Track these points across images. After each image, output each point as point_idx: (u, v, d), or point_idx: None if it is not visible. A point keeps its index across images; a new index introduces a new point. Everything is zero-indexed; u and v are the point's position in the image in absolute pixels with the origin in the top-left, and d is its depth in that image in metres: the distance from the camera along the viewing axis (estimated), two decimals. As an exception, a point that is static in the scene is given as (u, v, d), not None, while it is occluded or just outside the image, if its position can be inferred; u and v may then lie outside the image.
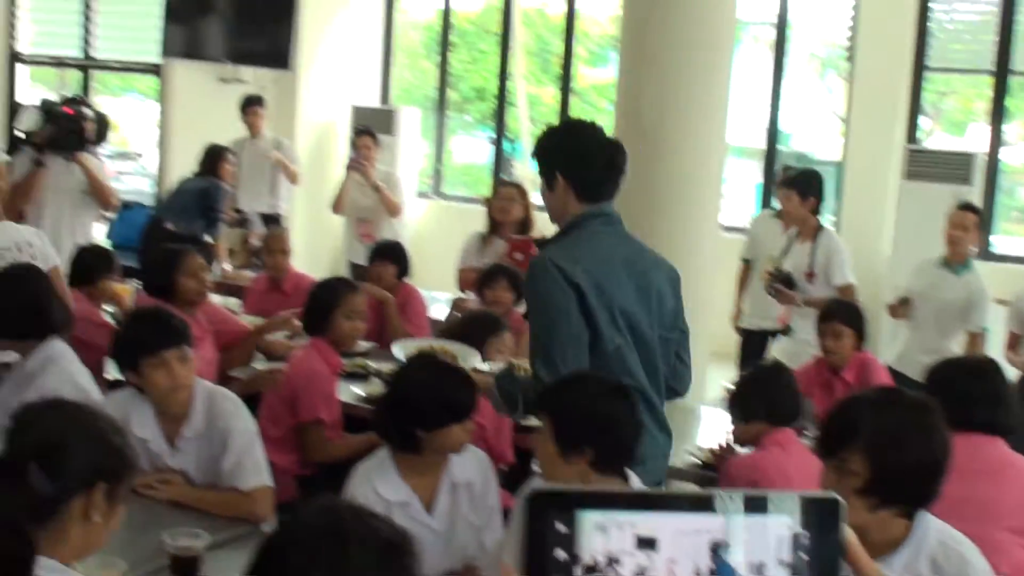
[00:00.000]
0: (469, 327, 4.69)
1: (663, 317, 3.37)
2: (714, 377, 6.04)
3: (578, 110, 10.43)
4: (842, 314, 4.95)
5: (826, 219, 6.79)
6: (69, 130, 6.24)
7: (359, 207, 7.85)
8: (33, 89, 11.48)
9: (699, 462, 4.18)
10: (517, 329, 4.83)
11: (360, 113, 10.28)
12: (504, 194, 6.37)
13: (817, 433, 2.83)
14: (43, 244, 4.86)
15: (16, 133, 6.55)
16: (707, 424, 4.89)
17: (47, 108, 6.39)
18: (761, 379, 4.01)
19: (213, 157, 7.64)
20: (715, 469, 4.02)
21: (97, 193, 6.40)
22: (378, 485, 3.20)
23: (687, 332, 3.52)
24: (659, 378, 3.37)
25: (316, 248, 9.78)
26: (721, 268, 6.09)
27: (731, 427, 3.99)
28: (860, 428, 2.37)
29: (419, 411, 3.18)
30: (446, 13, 10.77)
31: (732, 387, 4.10)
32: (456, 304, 5.92)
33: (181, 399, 3.43)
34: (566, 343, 3.15)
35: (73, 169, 6.33)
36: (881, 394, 2.61)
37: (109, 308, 5.28)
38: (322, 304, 4.63)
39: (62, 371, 3.74)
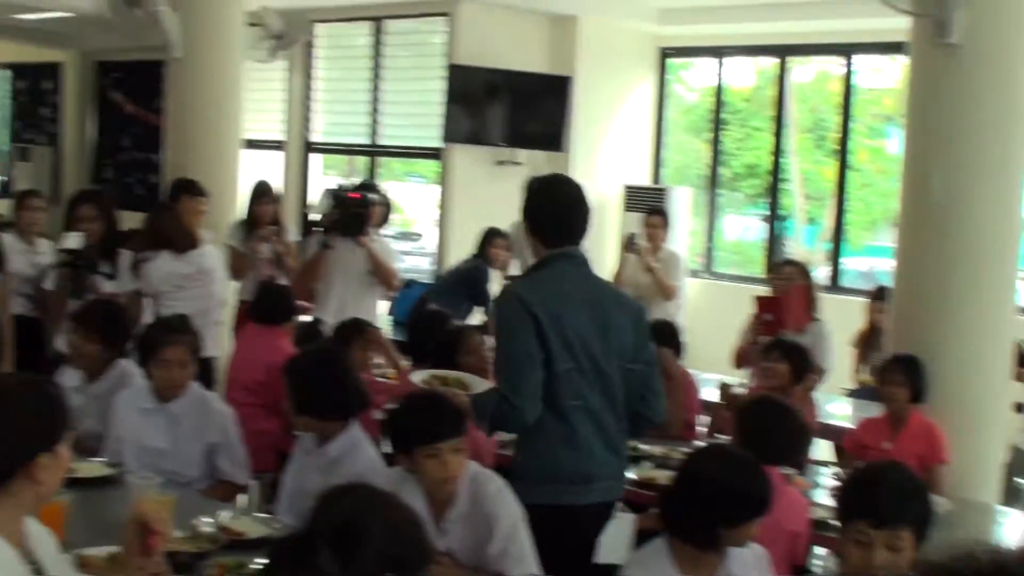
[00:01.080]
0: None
1: (623, 349, 3.70)
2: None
3: (856, 185, 10.03)
4: None
5: None
6: (354, 214, 6.39)
7: (638, 284, 7.75)
8: (325, 175, 12.09)
9: None
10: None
11: (632, 192, 10.25)
12: (786, 273, 6.13)
13: None
14: None
15: (310, 217, 6.83)
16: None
17: (335, 194, 6.62)
18: None
19: (484, 239, 7.74)
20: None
21: (380, 274, 6.53)
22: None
23: (653, 364, 3.87)
24: (616, 404, 3.70)
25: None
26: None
27: None
28: None
29: (722, 509, 3.00)
30: (719, 91, 10.64)
31: None
32: (723, 391, 5.68)
33: (450, 490, 3.38)
34: (523, 362, 3.55)
35: (358, 251, 6.50)
36: None
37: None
38: None
39: (367, 457, 3.80)
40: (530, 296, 3.63)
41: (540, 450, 3.65)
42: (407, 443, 3.37)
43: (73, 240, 5.92)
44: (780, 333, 5.99)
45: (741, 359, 6.50)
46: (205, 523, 3.42)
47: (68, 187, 14.36)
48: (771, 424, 3.91)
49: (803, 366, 5.15)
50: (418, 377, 4.24)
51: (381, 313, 7.07)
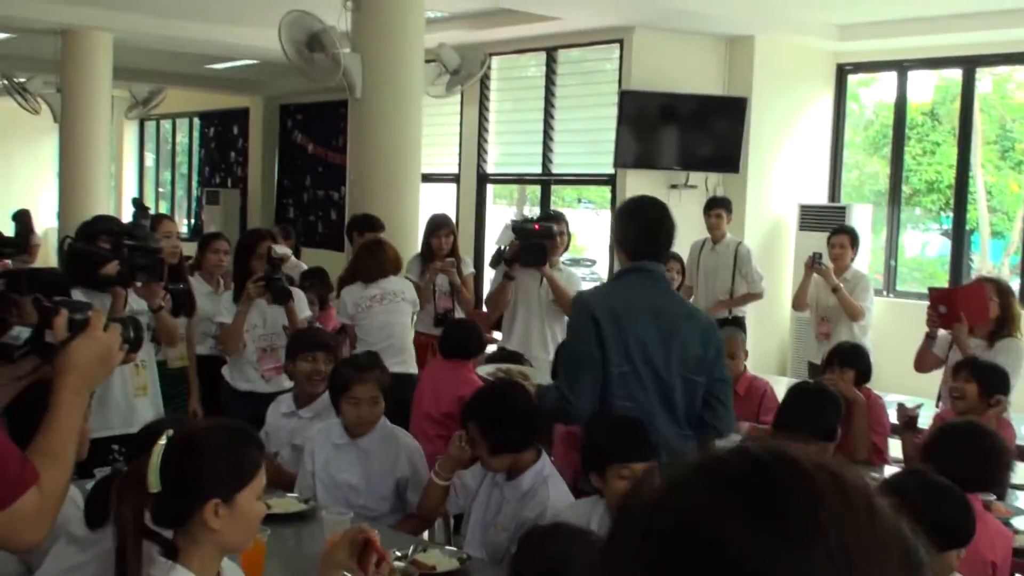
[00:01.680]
0: None
1: (686, 360, 3.87)
2: None
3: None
4: None
5: None
6: (534, 246, 6.43)
7: (822, 305, 7.52)
8: (495, 205, 12.19)
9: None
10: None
11: (807, 210, 10.00)
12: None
13: None
14: None
15: (498, 247, 6.95)
16: None
17: (518, 225, 6.70)
18: None
19: None
20: None
21: (562, 303, 6.51)
22: None
23: (723, 380, 4.00)
24: (675, 410, 3.89)
25: (764, 346, 9.53)
26: None
27: None
28: None
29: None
30: (900, 104, 10.30)
31: None
32: (899, 411, 5.46)
33: None
34: (580, 362, 3.86)
35: (541, 280, 6.55)
36: None
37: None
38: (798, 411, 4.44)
39: (558, 489, 3.77)
40: (596, 302, 3.94)
41: None
42: (601, 463, 3.34)
43: (282, 249, 6.30)
44: (955, 328, 5.74)
45: (919, 361, 6.23)
46: (396, 556, 3.45)
47: (254, 227, 14.91)
48: (964, 447, 3.74)
49: (993, 386, 4.88)
50: (484, 371, 4.25)
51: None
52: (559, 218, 7.04)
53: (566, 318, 6.52)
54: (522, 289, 6.59)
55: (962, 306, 5.82)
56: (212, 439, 2.39)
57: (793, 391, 4.65)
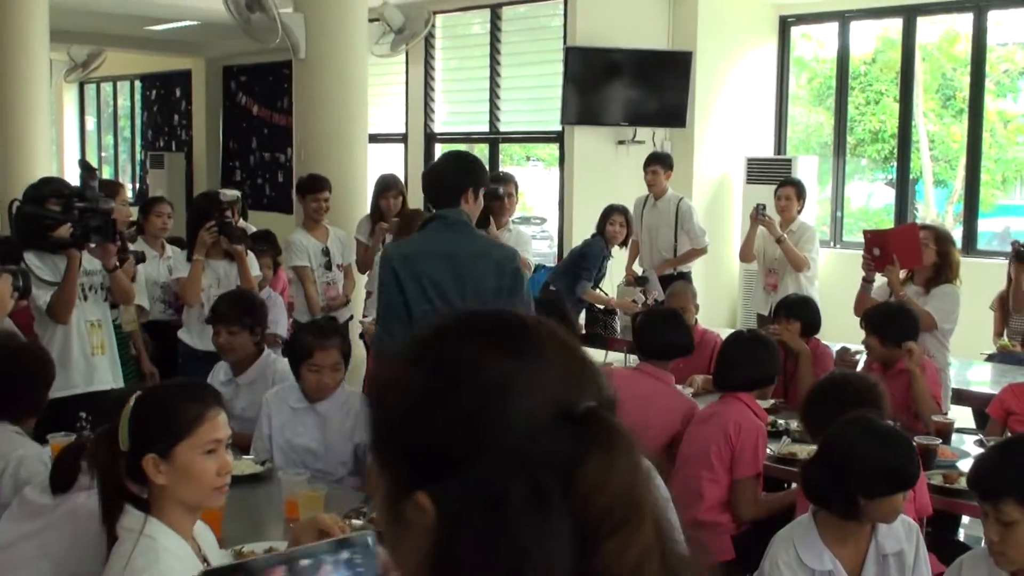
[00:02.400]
0: None
1: (482, 295, 4.26)
2: None
3: (987, 145, 9.69)
4: None
5: None
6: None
7: (768, 257, 7.60)
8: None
9: None
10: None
11: (754, 164, 10.08)
12: (921, 238, 5.93)
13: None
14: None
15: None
16: None
17: None
18: None
19: (602, 216, 7.72)
20: None
21: None
22: (801, 552, 3.00)
23: (527, 304, 4.57)
24: None
25: (714, 299, 9.62)
26: None
27: None
28: None
29: (865, 478, 2.94)
30: (842, 56, 10.38)
31: None
32: (839, 355, 5.58)
33: None
34: (388, 307, 4.34)
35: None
36: None
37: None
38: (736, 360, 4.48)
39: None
40: (392, 251, 4.51)
41: None
42: None
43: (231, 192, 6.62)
44: (888, 270, 5.82)
45: (859, 306, 6.31)
46: (354, 512, 3.48)
47: (200, 191, 14.77)
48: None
49: (897, 334, 4.92)
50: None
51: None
52: (507, 179, 7.08)
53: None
54: None
55: (894, 247, 5.87)
56: (154, 396, 2.48)
57: (730, 341, 4.72)
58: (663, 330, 4.82)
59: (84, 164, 5.70)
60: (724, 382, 4.47)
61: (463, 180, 4.38)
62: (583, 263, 7.53)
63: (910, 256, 5.86)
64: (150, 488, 2.41)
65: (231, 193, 7.11)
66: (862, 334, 6.27)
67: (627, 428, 0.99)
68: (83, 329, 5.01)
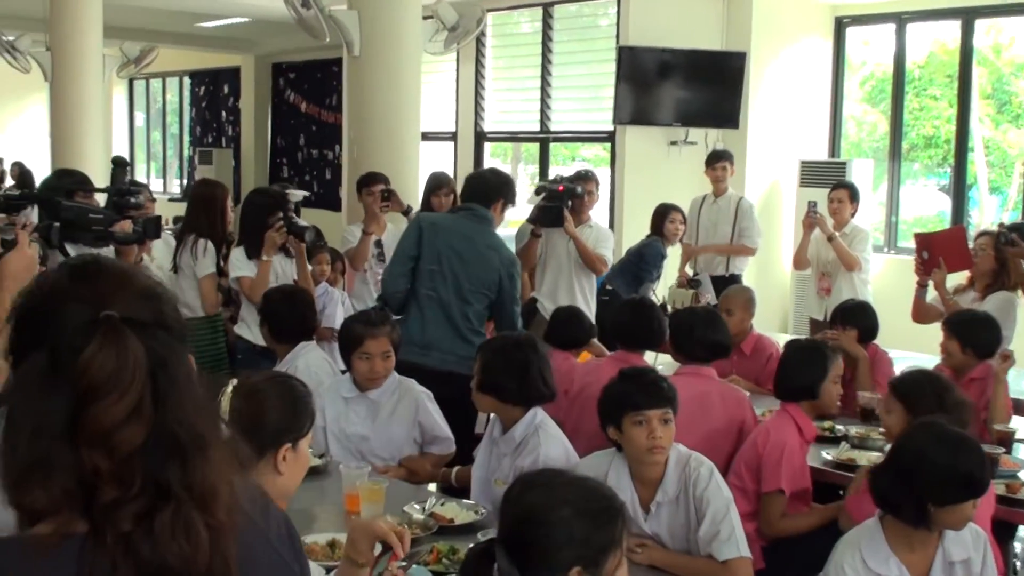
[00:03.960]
0: None
1: (481, 276, 5.27)
2: None
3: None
4: None
5: None
6: (549, 208, 6.69)
7: (821, 260, 7.57)
8: (491, 162, 12.20)
9: None
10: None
11: (808, 166, 10.03)
12: (979, 243, 5.89)
13: None
14: None
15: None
16: None
17: (543, 186, 6.93)
18: None
19: (657, 215, 7.74)
20: None
21: (585, 261, 6.86)
22: (867, 557, 2.98)
23: (515, 300, 5.36)
24: (466, 305, 5.27)
25: (765, 304, 9.58)
26: None
27: None
28: None
29: (935, 485, 2.92)
30: (898, 58, 10.30)
31: None
32: None
33: (657, 462, 3.38)
34: (399, 256, 5.36)
35: (566, 239, 6.84)
36: None
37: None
38: (812, 370, 4.28)
39: (551, 437, 3.81)
40: (425, 217, 5.61)
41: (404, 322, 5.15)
42: (618, 413, 3.39)
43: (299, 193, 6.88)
44: (933, 273, 5.77)
45: (916, 311, 6.26)
46: (416, 510, 3.51)
47: (247, 188, 14.89)
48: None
49: (973, 339, 4.86)
50: None
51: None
52: (588, 177, 7.22)
53: (594, 275, 6.99)
54: (550, 244, 6.97)
55: (940, 251, 5.82)
56: (278, 390, 2.58)
57: (789, 349, 4.60)
58: (700, 330, 4.69)
59: (118, 160, 5.80)
60: (781, 391, 4.40)
61: (500, 190, 5.38)
62: (643, 264, 7.54)
63: (957, 259, 5.81)
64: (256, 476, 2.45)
65: (298, 193, 7.21)
66: (917, 339, 6.24)
67: (141, 323, 1.35)
68: None
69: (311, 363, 4.82)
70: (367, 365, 4.34)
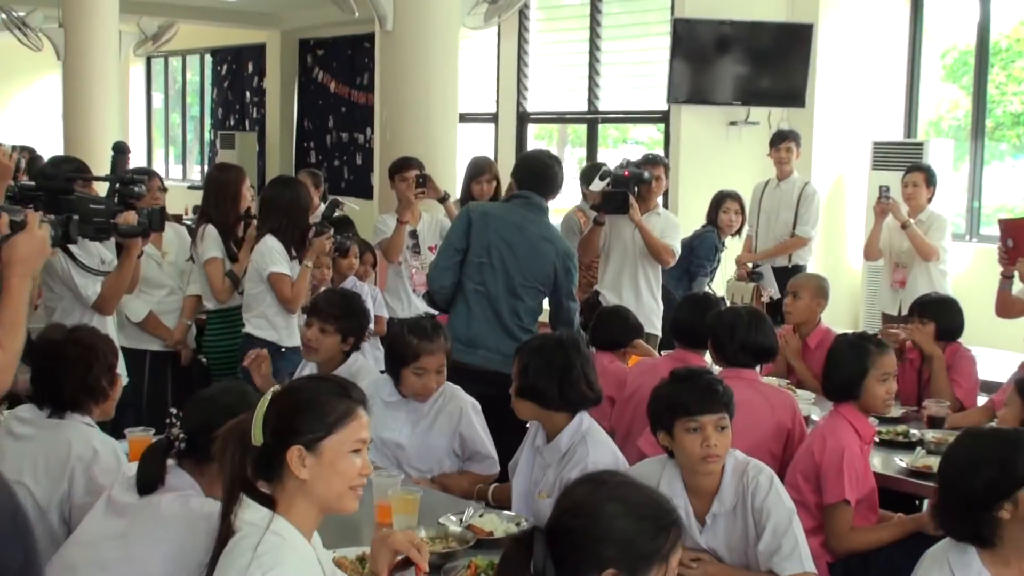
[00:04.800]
0: None
1: (533, 270, 5.43)
2: None
3: None
4: None
5: None
6: (612, 194, 6.75)
7: (895, 250, 7.51)
8: (534, 144, 12.20)
9: None
10: None
11: (882, 148, 9.95)
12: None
13: None
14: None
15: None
16: None
17: (608, 171, 6.99)
18: None
19: (713, 203, 7.73)
20: None
21: (651, 250, 6.83)
22: (957, 573, 2.92)
23: (572, 296, 5.56)
24: (517, 301, 5.43)
25: (833, 298, 9.49)
26: None
27: None
28: None
29: (975, 494, 2.86)
30: (982, 30, 10.17)
31: None
32: None
33: (712, 471, 3.37)
34: (447, 249, 5.53)
35: (632, 227, 6.83)
36: None
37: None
38: (851, 366, 4.24)
39: (599, 443, 3.82)
40: (476, 207, 5.69)
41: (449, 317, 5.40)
42: (669, 419, 3.38)
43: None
44: (1019, 262, 5.69)
45: (1000, 304, 6.16)
46: (452, 522, 3.53)
47: (272, 174, 14.98)
48: None
49: None
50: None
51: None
52: (656, 161, 7.24)
53: (660, 267, 6.97)
54: (615, 233, 6.99)
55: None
56: (302, 389, 2.61)
57: (833, 346, 4.51)
58: (743, 332, 4.63)
59: (119, 146, 5.85)
60: (827, 390, 4.36)
61: (557, 180, 5.56)
62: (693, 259, 7.53)
63: None
64: (281, 485, 2.50)
65: (352, 204, 7.27)
66: (1002, 335, 6.15)
67: None
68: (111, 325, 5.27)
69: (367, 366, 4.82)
70: (421, 382, 4.34)
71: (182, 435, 3.01)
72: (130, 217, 4.76)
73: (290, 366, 5.38)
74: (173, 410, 3.06)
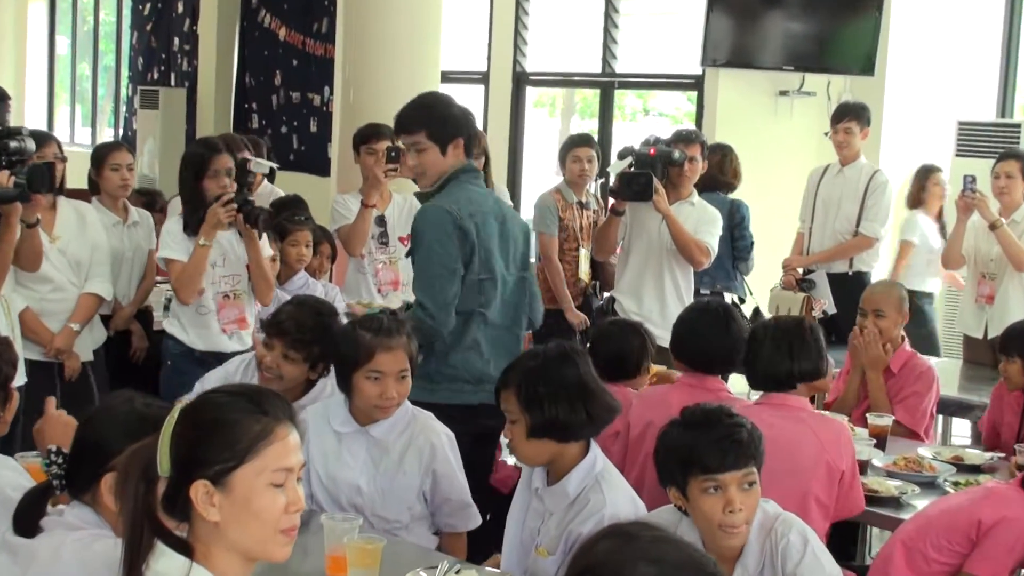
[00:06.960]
0: None
1: (517, 259, 5.29)
2: None
3: None
4: None
5: None
6: (634, 176, 6.78)
7: (982, 258, 7.52)
8: (535, 112, 12.24)
9: None
10: None
11: (969, 129, 9.98)
12: None
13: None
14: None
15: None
16: None
17: (630, 149, 7.03)
18: None
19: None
20: None
21: (680, 247, 6.85)
22: None
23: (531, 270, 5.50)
24: (516, 311, 5.29)
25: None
26: None
27: None
28: None
29: None
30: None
31: None
32: None
33: (735, 535, 3.37)
34: (449, 276, 5.00)
35: (658, 219, 6.85)
36: None
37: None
38: None
39: (616, 488, 3.83)
40: (457, 211, 5.05)
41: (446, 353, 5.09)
42: (680, 473, 3.39)
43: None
44: None
45: None
46: (423, 578, 3.54)
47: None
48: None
49: None
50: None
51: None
52: (690, 138, 7.24)
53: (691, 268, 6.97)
54: (637, 226, 7.01)
55: None
56: (205, 405, 2.50)
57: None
58: (779, 351, 4.60)
59: None
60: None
61: (466, 123, 5.27)
62: (738, 233, 7.61)
63: None
64: (194, 526, 2.44)
65: (264, 164, 7.25)
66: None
67: None
68: None
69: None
70: (377, 388, 4.24)
71: (62, 476, 2.98)
72: (2, 178, 4.74)
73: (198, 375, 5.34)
74: (52, 447, 3.03)
